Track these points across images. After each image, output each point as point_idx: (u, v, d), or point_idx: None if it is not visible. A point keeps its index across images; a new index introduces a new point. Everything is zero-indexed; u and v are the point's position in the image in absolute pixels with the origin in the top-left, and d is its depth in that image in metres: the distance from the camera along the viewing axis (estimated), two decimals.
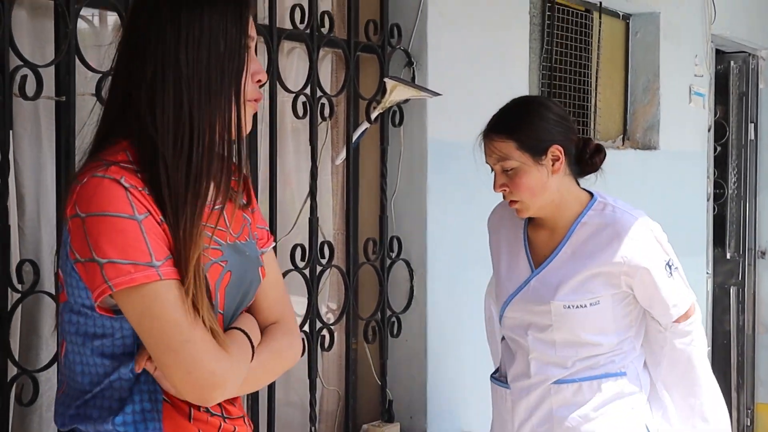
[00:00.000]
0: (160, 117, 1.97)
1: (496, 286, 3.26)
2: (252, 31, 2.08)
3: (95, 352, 2.01)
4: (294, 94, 3.83)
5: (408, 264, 4.36)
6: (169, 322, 1.92)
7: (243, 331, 2.11)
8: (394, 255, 4.33)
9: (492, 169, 3.13)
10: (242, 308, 2.17)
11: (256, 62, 2.10)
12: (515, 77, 4.88)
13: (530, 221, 3.19)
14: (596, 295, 3.06)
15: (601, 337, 3.08)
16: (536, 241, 3.18)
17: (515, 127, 3.08)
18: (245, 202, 2.21)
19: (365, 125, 4.13)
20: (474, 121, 4.26)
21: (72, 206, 1.93)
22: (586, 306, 3.04)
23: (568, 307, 3.05)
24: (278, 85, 3.77)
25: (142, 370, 2.00)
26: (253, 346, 2.11)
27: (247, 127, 2.08)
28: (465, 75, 4.53)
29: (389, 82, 4.03)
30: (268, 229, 2.31)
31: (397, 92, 4.06)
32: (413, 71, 4.34)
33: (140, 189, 1.94)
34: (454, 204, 4.44)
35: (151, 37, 1.98)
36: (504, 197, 3.13)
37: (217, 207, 2.04)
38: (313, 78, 3.88)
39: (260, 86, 2.12)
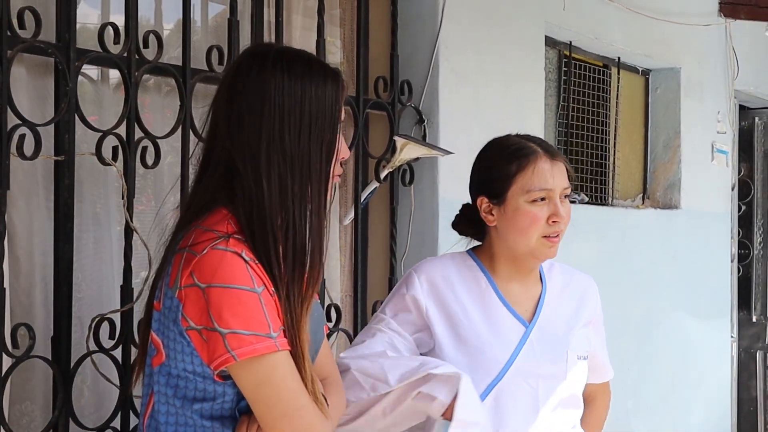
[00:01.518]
0: (267, 192, 2.09)
1: (472, 356, 2.78)
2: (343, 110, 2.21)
3: (196, 414, 2.12)
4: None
5: None
6: (285, 390, 2.07)
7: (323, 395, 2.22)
8: None
9: (541, 202, 2.74)
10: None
11: (343, 140, 2.22)
12: (531, 134, 4.78)
13: (494, 275, 2.86)
14: (591, 344, 2.96)
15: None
16: (511, 294, 2.86)
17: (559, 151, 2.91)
18: None
19: (374, 184, 4.05)
20: None
21: (188, 275, 2.05)
22: (587, 358, 2.92)
23: (579, 357, 2.89)
24: None
25: None
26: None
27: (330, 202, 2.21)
28: (478, 132, 4.41)
29: (399, 140, 3.95)
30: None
31: (407, 150, 3.98)
32: (424, 129, 4.27)
33: (256, 262, 2.07)
34: None
35: (257, 107, 2.12)
36: (550, 232, 2.76)
37: None
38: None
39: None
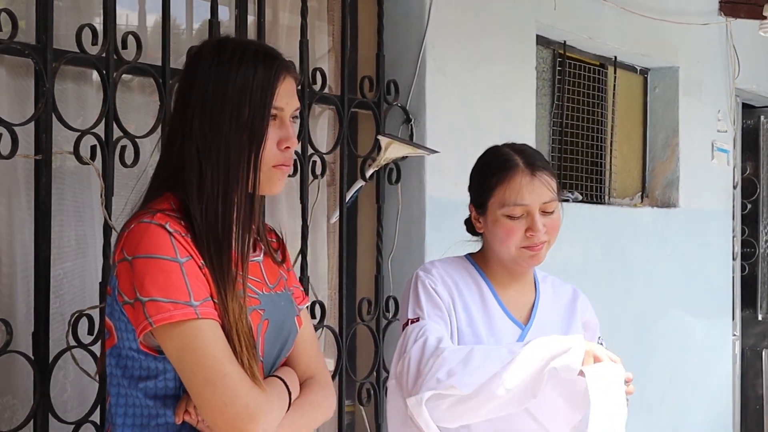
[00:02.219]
0: (189, 175, 2.15)
1: None
2: (285, 98, 2.21)
3: (141, 393, 2.14)
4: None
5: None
6: (207, 356, 2.05)
7: (281, 379, 2.24)
8: (390, 315, 4.26)
9: (518, 216, 2.77)
10: (282, 358, 2.32)
11: (287, 128, 2.23)
12: (521, 133, 4.81)
13: (492, 279, 2.93)
14: None
15: None
16: (507, 298, 2.91)
17: (547, 163, 2.92)
18: (281, 260, 2.40)
19: (360, 183, 4.09)
20: (464, 176, 4.22)
21: (120, 251, 2.10)
22: None
23: None
24: None
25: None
26: (290, 394, 2.24)
27: (273, 189, 2.25)
28: (465, 131, 4.48)
29: (383, 140, 3.99)
30: (302, 289, 2.50)
31: (391, 150, 4.02)
32: (411, 128, 4.31)
33: (183, 235, 2.10)
34: None
35: (187, 95, 2.19)
36: (529, 244, 2.79)
37: (254, 259, 2.27)
38: (304, 135, 3.84)
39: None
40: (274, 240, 2.44)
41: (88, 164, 3.15)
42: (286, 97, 2.22)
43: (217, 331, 2.08)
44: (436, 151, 4.15)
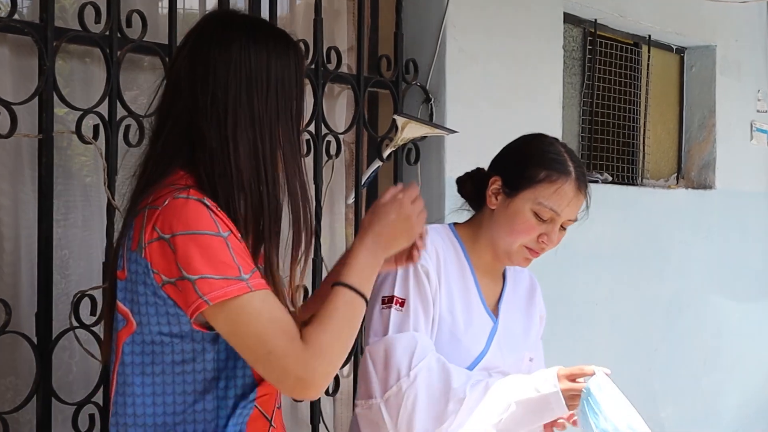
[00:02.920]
0: (233, 152, 2.07)
1: (450, 342, 2.70)
2: None
3: (180, 379, 2.08)
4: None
5: None
6: (249, 335, 2.00)
7: (346, 285, 2.13)
8: None
9: (544, 219, 2.66)
10: None
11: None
12: (547, 113, 4.73)
13: (474, 260, 2.79)
14: (538, 346, 2.92)
15: None
16: (484, 285, 2.80)
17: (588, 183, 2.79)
18: None
19: (377, 164, 4.01)
20: (490, 154, 4.13)
21: (151, 230, 2.01)
22: (534, 360, 2.86)
23: (531, 360, 2.83)
24: None
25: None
26: (359, 292, 2.14)
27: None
28: (487, 111, 4.40)
29: (399, 119, 3.91)
30: None
31: (408, 130, 3.94)
32: (431, 108, 4.24)
33: (219, 209, 2.03)
34: None
35: (222, 69, 2.09)
36: (535, 248, 2.70)
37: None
38: (318, 115, 3.79)
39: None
40: None
41: (90, 143, 3.12)
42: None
43: (269, 299, 2.03)
44: (455, 131, 4.06)
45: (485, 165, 4.32)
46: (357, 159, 4.03)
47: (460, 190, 2.89)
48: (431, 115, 4.23)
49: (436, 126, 4.07)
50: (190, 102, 2.11)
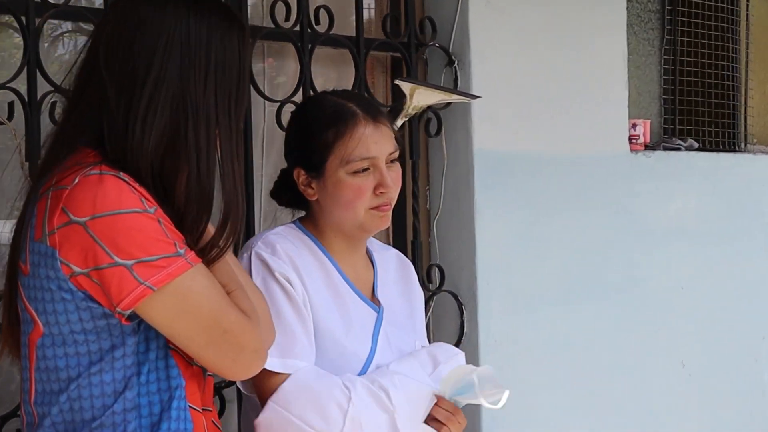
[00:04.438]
0: (139, 135, 1.87)
1: (333, 352, 2.41)
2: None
3: (96, 379, 1.88)
4: (279, 103, 3.30)
5: (456, 297, 3.74)
6: (202, 317, 1.86)
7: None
8: (433, 286, 3.72)
9: (364, 171, 2.40)
10: None
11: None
12: (603, 75, 4.14)
13: (331, 252, 2.50)
14: (424, 333, 2.67)
15: None
16: (352, 274, 2.51)
17: (383, 109, 2.63)
18: None
19: None
20: (532, 125, 3.53)
21: (60, 214, 1.80)
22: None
23: (423, 347, 2.57)
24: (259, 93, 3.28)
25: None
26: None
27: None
28: (523, 75, 3.86)
29: (404, 85, 3.40)
30: None
31: (419, 96, 3.41)
32: (455, 72, 3.74)
33: (138, 184, 1.84)
34: (510, 225, 3.79)
35: (152, 40, 1.89)
36: (379, 203, 2.43)
37: None
38: (304, 82, 3.34)
39: None
40: None
41: (2, 123, 2.76)
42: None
43: (208, 273, 1.89)
44: (477, 96, 3.53)
45: (520, 132, 3.83)
46: None
47: (280, 203, 2.60)
48: (455, 79, 3.73)
49: (452, 91, 3.56)
50: (105, 71, 1.89)
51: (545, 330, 3.85)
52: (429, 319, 3.74)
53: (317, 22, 3.40)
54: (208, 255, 1.93)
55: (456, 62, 3.74)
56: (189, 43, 1.90)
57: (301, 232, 2.50)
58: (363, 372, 2.41)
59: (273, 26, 3.29)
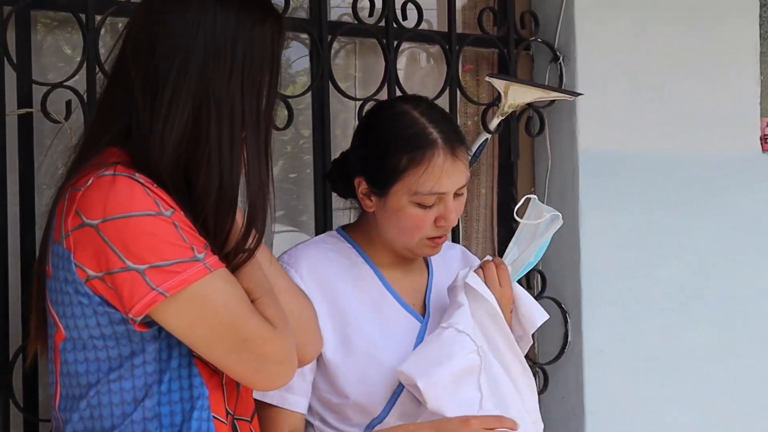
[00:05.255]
0: (161, 131, 1.83)
1: (367, 365, 2.29)
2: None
3: (116, 387, 1.85)
4: (361, 101, 3.21)
5: (559, 304, 3.56)
6: (221, 324, 1.80)
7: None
8: (533, 292, 3.55)
9: (430, 205, 2.31)
10: None
11: None
12: (731, 65, 3.83)
13: (375, 258, 2.41)
14: None
15: None
16: (396, 283, 2.40)
17: (462, 134, 2.44)
18: None
19: (483, 137, 3.41)
20: (647, 123, 3.44)
21: (74, 216, 1.78)
22: None
23: None
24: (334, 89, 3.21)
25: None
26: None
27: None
28: (635, 73, 3.62)
29: (497, 82, 3.28)
30: None
31: (514, 94, 3.29)
32: (560, 68, 3.56)
33: (155, 186, 1.80)
34: (619, 229, 3.58)
35: (175, 35, 1.85)
36: (436, 235, 2.35)
37: None
38: (389, 79, 3.24)
39: None
40: None
41: (59, 122, 2.75)
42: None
43: (230, 278, 1.83)
44: (578, 94, 3.38)
45: (631, 130, 3.61)
46: None
47: (335, 190, 2.55)
48: (561, 76, 3.55)
49: (550, 88, 3.42)
50: (132, 70, 1.86)
51: (657, 341, 3.62)
52: None
53: (404, 17, 3.29)
54: (233, 260, 1.88)
55: (561, 58, 3.56)
56: (214, 36, 1.84)
57: (342, 240, 2.43)
58: (400, 391, 2.28)
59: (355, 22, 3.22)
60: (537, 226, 2.41)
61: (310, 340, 2.09)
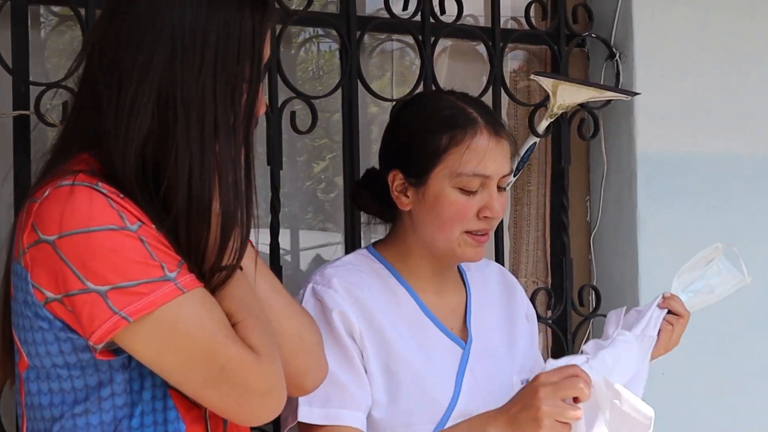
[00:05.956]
0: (124, 132, 1.63)
1: (410, 398, 2.08)
2: (266, 51, 1.74)
3: (82, 422, 1.66)
4: (394, 102, 2.96)
5: None
6: (196, 351, 1.60)
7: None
8: (587, 311, 3.28)
9: (474, 190, 2.12)
10: None
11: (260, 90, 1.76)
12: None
13: (410, 279, 2.19)
14: (533, 357, 2.31)
15: None
16: (434, 304, 2.19)
17: (504, 123, 2.24)
18: None
19: (531, 140, 3.14)
20: (712, 123, 3.23)
21: (30, 231, 1.60)
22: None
23: (524, 382, 2.13)
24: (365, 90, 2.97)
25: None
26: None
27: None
28: (698, 64, 3.35)
29: (543, 81, 3.01)
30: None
31: (564, 93, 3.02)
32: (617, 66, 3.29)
33: (121, 196, 1.60)
34: (681, 239, 3.29)
35: (141, 29, 1.65)
36: (479, 228, 2.14)
37: None
38: (425, 75, 2.99)
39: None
40: None
41: (53, 125, 2.56)
42: (266, 48, 1.74)
43: (207, 299, 1.62)
44: (634, 94, 3.10)
45: (695, 131, 3.33)
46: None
47: (360, 206, 2.37)
48: (617, 75, 3.29)
49: (603, 87, 3.16)
50: (98, 69, 1.68)
51: (727, 361, 3.33)
52: (574, 346, 3.33)
53: (442, 11, 3.05)
54: (210, 279, 1.67)
55: (617, 55, 3.29)
56: (183, 26, 1.64)
57: (373, 258, 2.23)
58: (445, 418, 2.07)
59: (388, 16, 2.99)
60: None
61: (312, 367, 1.87)
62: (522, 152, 3.12)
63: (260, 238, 2.88)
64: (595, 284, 3.31)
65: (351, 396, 2.02)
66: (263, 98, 1.76)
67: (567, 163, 3.25)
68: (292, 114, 2.79)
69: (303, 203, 3.26)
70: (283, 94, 2.78)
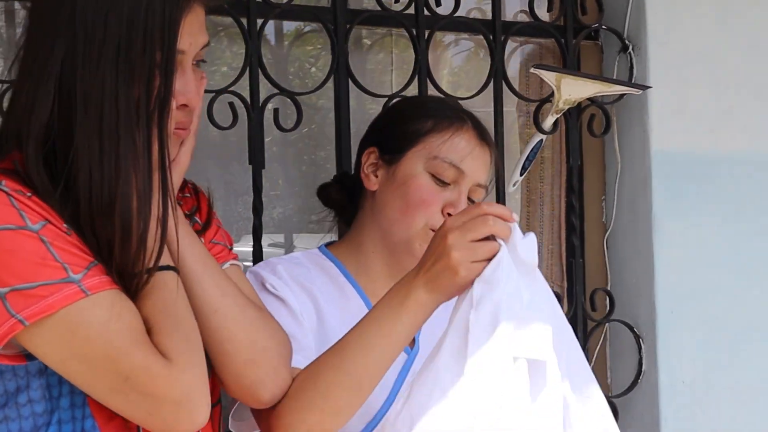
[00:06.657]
0: (29, 122, 1.56)
1: None
2: (188, 36, 1.61)
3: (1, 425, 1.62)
4: (386, 98, 2.84)
5: (632, 328, 3.13)
6: (98, 357, 1.52)
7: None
8: (599, 316, 3.13)
9: (446, 182, 2.07)
10: None
11: (182, 79, 1.64)
12: None
13: (361, 280, 2.12)
14: None
15: None
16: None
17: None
18: (202, 223, 1.84)
19: (537, 137, 3.00)
20: (732, 120, 3.12)
21: None
22: None
23: None
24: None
25: None
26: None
27: (173, 159, 1.65)
28: (716, 56, 3.19)
29: (544, 74, 2.86)
30: (225, 244, 1.86)
31: (569, 87, 2.88)
32: (630, 59, 3.14)
33: (28, 195, 1.53)
34: (698, 241, 3.14)
35: (46, 17, 1.58)
36: (436, 223, 2.00)
37: None
38: (420, 71, 2.87)
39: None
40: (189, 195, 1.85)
41: None
42: (189, 36, 1.61)
43: (116, 302, 1.53)
44: (645, 87, 2.95)
45: (713, 128, 3.19)
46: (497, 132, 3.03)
47: (323, 198, 2.30)
48: (630, 69, 3.14)
49: (611, 81, 3.02)
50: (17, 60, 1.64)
51: (749, 371, 3.16)
52: (597, 355, 3.18)
53: (438, 3, 2.92)
54: (127, 282, 1.58)
55: (631, 47, 3.14)
56: (84, 17, 1.55)
57: (323, 256, 2.16)
58: (374, 422, 1.97)
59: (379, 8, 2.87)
60: None
61: (267, 377, 1.74)
62: (527, 150, 2.99)
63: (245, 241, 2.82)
64: (609, 288, 3.16)
65: (298, 342, 1.91)
66: (190, 90, 1.64)
67: (576, 162, 3.11)
68: (276, 111, 2.69)
69: (299, 205, 3.18)
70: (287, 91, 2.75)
